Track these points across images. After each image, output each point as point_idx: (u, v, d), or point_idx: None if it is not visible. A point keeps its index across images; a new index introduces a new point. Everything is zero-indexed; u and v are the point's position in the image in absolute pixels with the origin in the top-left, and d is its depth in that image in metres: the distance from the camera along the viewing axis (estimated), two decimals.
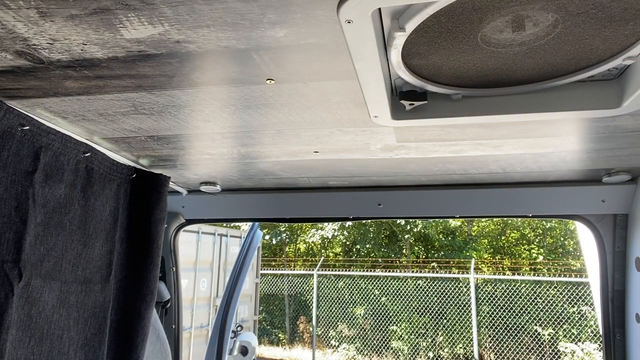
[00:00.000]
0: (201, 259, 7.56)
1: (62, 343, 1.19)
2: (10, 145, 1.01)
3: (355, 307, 10.27)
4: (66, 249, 1.20)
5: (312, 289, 10.48)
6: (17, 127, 1.02)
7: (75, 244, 1.24)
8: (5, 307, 1.01)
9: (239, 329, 3.54)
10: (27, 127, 1.04)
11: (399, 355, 9.69)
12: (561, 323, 8.70)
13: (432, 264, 10.87)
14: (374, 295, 10.17)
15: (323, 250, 12.82)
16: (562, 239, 10.85)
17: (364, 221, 10.80)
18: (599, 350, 8.31)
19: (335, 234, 11.90)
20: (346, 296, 10.38)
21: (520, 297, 8.92)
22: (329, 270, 11.12)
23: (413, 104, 1.02)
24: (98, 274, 1.33)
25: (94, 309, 1.31)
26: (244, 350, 3.09)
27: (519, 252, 11.22)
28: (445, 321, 9.41)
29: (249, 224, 3.70)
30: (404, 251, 11.70)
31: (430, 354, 9.44)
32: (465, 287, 9.28)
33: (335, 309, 10.38)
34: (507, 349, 8.86)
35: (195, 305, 7.34)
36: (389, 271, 10.23)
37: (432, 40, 0.82)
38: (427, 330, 9.59)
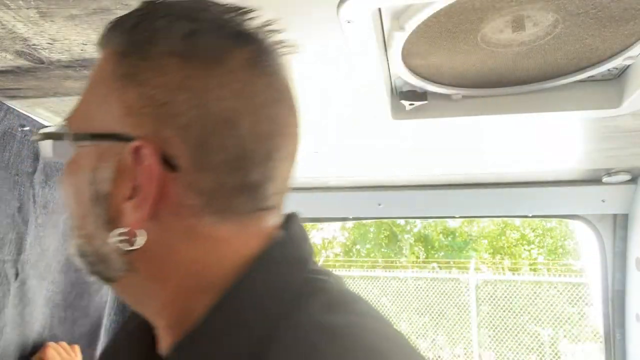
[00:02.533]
0: None
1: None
2: (11, 145, 1.01)
3: None
4: (59, 250, 1.20)
5: None
6: (17, 128, 1.02)
7: (69, 244, 1.23)
8: (1, 306, 1.01)
9: None
10: (28, 128, 1.04)
11: None
12: (561, 323, 8.69)
13: (432, 264, 10.86)
14: (374, 296, 10.14)
15: (323, 251, 12.81)
16: (562, 239, 10.83)
17: (364, 221, 10.79)
18: (599, 351, 8.30)
19: (335, 234, 11.88)
20: None
21: (520, 297, 8.91)
22: None
23: (413, 104, 1.02)
24: None
25: (87, 310, 1.31)
26: None
27: (519, 252, 11.20)
28: (445, 321, 9.39)
29: None
30: (404, 251, 11.69)
31: (431, 355, 9.43)
32: (465, 287, 9.27)
33: None
34: (507, 349, 8.85)
35: None
36: (389, 271, 10.22)
37: (432, 40, 0.82)
38: (427, 330, 9.58)
